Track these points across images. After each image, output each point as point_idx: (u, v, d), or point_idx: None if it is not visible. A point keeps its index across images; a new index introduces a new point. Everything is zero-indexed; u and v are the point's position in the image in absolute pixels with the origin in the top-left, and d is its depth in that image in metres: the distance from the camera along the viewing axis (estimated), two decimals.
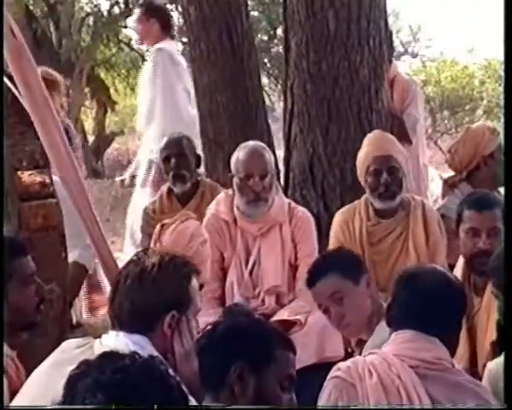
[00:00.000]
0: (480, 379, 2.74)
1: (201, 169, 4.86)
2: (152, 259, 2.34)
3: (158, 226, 3.36)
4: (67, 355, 2.26)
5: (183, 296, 2.32)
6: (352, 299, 2.97)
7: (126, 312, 2.29)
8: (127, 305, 2.29)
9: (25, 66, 3.26)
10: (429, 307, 2.45)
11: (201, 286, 3.26)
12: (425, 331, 2.42)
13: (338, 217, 3.99)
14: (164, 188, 4.49)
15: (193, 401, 2.13)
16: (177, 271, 2.34)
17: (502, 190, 4.08)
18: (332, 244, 3.90)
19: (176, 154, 4.34)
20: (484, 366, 2.98)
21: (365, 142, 3.98)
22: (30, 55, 3.30)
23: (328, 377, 2.42)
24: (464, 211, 3.29)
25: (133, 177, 5.54)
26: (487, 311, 3.14)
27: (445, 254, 3.84)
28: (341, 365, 2.43)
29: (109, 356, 1.67)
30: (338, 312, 2.97)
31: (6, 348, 2.61)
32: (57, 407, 1.60)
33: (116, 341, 2.24)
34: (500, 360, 2.65)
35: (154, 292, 2.29)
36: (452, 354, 2.50)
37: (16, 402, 2.29)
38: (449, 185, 4.35)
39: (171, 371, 1.67)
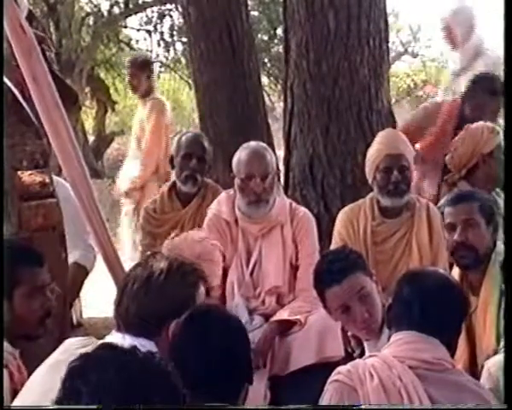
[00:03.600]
0: (480, 379, 2.74)
1: None
2: (160, 264, 2.33)
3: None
4: (69, 355, 2.26)
5: (189, 304, 2.31)
6: (375, 296, 2.98)
7: (133, 315, 2.28)
8: (134, 309, 2.28)
9: (34, 63, 3.27)
10: (430, 309, 2.44)
11: (208, 290, 3.27)
12: (425, 333, 2.42)
13: (342, 215, 3.99)
14: (165, 187, 4.48)
15: None
16: (184, 278, 2.34)
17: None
18: (335, 243, 3.90)
19: (198, 155, 4.29)
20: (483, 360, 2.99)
21: (377, 139, 3.99)
22: (40, 52, 3.31)
23: (329, 380, 2.41)
24: (445, 209, 3.35)
25: None
26: (484, 309, 3.15)
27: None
28: (342, 368, 2.43)
29: (111, 351, 1.67)
30: (363, 309, 2.95)
31: (8, 346, 2.61)
32: (57, 406, 1.60)
33: (122, 343, 2.23)
34: (499, 357, 2.65)
35: (160, 298, 2.28)
36: (452, 356, 2.50)
37: (18, 402, 2.28)
38: (448, 184, 4.35)
39: (170, 368, 1.68)
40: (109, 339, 2.29)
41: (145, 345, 2.19)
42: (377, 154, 3.88)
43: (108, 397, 1.54)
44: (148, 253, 2.55)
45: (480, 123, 4.24)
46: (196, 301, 2.34)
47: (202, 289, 2.37)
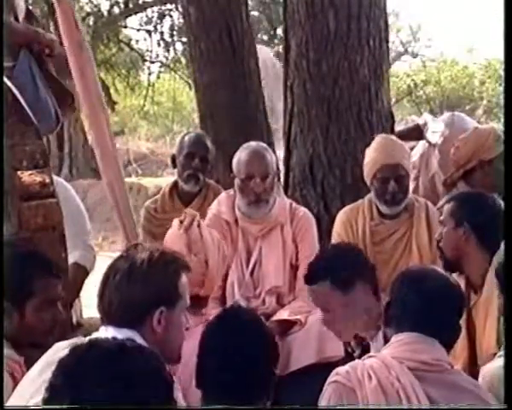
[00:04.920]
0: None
1: None
2: (142, 254, 2.35)
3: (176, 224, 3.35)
4: (59, 355, 2.25)
5: (172, 292, 2.33)
6: (339, 310, 2.92)
7: (115, 307, 2.29)
8: (116, 300, 2.29)
9: (83, 59, 3.30)
10: (430, 309, 2.44)
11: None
12: (425, 333, 2.42)
13: (341, 216, 4.00)
14: (166, 187, 4.49)
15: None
16: (166, 266, 2.35)
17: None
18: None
19: (201, 155, 4.32)
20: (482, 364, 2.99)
21: (373, 146, 3.95)
22: (90, 50, 3.35)
23: (328, 381, 2.41)
24: None
25: None
26: (485, 310, 3.15)
27: None
28: (340, 369, 2.43)
29: (97, 346, 1.68)
30: (327, 318, 2.99)
31: (14, 354, 2.61)
32: (55, 407, 1.60)
33: (105, 335, 2.22)
34: (494, 364, 2.66)
35: (143, 287, 2.29)
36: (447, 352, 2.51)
37: (11, 403, 2.28)
38: (448, 184, 4.34)
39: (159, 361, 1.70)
40: (95, 336, 2.29)
41: (128, 335, 2.19)
42: (373, 162, 3.88)
43: (96, 392, 1.55)
44: (129, 245, 2.56)
45: (490, 126, 4.18)
46: (179, 289, 2.35)
47: (185, 278, 2.38)
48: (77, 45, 3.30)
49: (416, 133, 4.94)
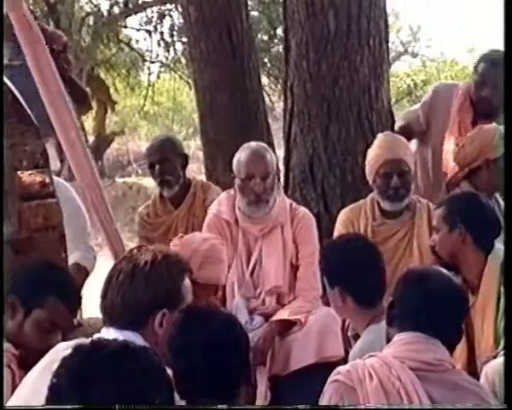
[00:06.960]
0: (479, 379, 2.75)
1: (202, 169, 4.86)
2: (145, 256, 2.35)
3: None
4: (61, 355, 2.25)
5: (174, 294, 2.33)
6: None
7: (117, 308, 2.29)
8: (118, 301, 2.29)
9: (40, 59, 3.28)
10: (434, 310, 2.44)
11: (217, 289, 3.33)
12: (428, 334, 2.42)
13: (342, 215, 4.00)
14: (156, 191, 4.52)
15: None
16: (169, 269, 2.35)
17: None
18: None
19: (159, 160, 4.33)
20: (482, 364, 3.00)
21: (376, 143, 3.97)
22: (46, 48, 3.32)
23: (329, 380, 2.41)
24: None
25: None
26: (482, 310, 3.16)
27: None
28: (341, 368, 2.43)
29: (100, 345, 1.68)
30: None
31: (11, 347, 2.60)
32: (55, 406, 1.60)
33: (107, 336, 2.22)
34: (495, 362, 2.66)
35: (145, 289, 2.30)
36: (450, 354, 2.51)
37: (12, 402, 2.28)
38: (451, 184, 4.33)
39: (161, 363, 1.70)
40: (96, 336, 2.29)
41: (130, 337, 2.19)
42: (376, 159, 3.89)
43: (100, 392, 1.56)
44: (133, 247, 2.56)
45: (494, 126, 4.15)
46: (182, 292, 2.35)
47: (188, 281, 2.38)
48: (31, 44, 3.25)
49: (406, 132, 4.90)
